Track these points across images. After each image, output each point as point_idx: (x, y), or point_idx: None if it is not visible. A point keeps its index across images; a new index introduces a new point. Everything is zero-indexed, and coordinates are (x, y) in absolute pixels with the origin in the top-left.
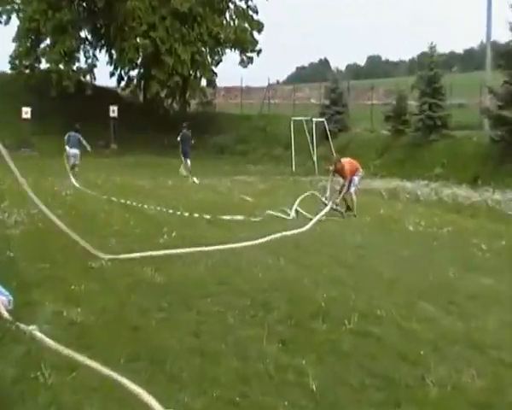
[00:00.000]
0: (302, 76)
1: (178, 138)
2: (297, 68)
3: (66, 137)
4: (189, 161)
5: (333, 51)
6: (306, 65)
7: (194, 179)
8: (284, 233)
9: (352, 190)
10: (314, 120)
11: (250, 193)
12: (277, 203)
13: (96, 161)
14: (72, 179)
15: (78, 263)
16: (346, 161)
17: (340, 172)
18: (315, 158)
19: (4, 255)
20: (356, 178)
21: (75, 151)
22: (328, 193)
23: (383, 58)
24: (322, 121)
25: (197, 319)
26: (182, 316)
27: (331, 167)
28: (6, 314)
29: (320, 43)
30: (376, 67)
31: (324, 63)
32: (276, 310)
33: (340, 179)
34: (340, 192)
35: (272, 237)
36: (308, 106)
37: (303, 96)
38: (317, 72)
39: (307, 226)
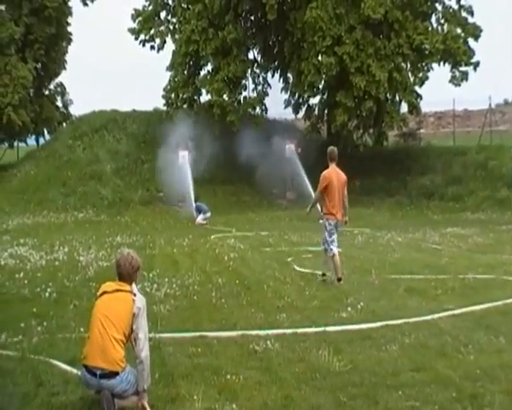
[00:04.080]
0: None
1: None
2: None
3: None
4: None
5: None
6: None
7: None
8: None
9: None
10: None
11: (465, 250)
12: (500, 263)
13: (269, 215)
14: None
15: (238, 345)
16: None
17: None
18: None
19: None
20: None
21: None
22: None
23: None
24: None
25: None
26: None
27: None
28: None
29: None
30: None
31: None
32: (489, 405)
33: None
34: None
35: (489, 305)
36: None
37: None
38: None
39: None
